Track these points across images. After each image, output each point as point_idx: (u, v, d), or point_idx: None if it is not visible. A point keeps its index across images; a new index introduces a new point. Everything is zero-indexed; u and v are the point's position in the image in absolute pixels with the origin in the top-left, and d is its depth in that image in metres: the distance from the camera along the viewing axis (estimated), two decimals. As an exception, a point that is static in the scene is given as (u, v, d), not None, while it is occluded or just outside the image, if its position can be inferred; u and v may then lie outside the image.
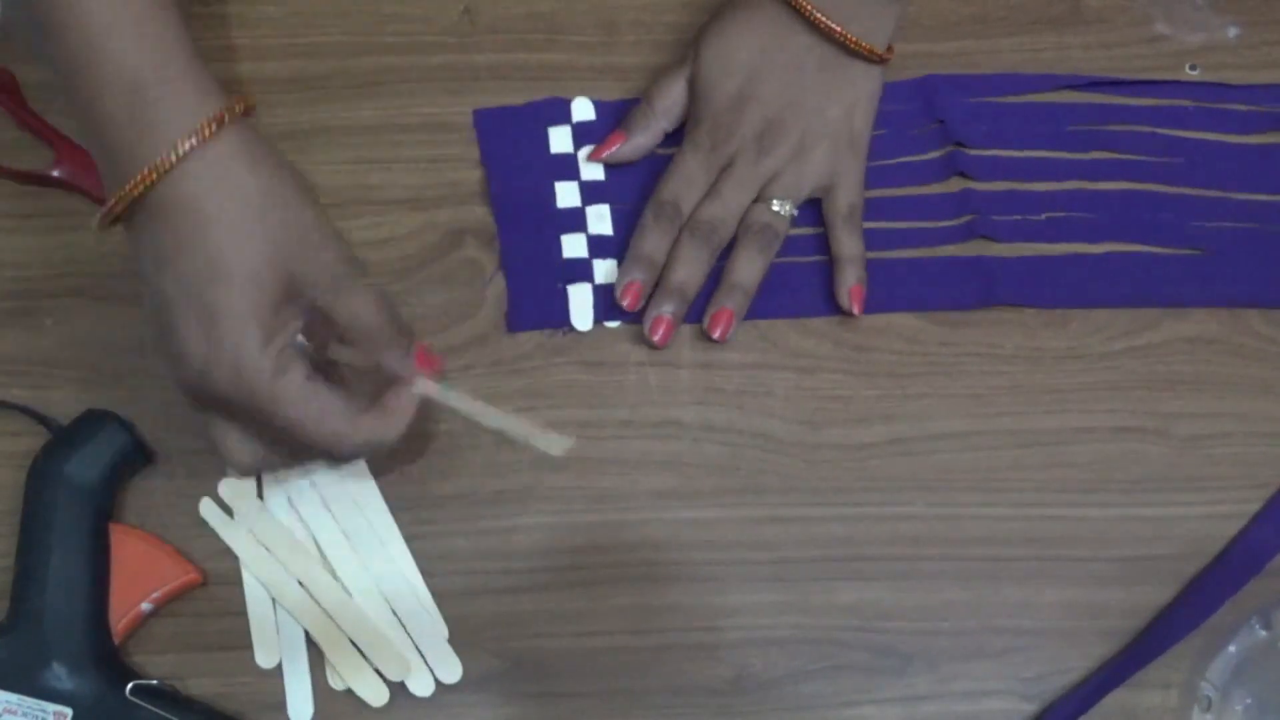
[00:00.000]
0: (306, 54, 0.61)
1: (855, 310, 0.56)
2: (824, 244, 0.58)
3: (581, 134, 0.60)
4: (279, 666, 0.52)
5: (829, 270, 0.57)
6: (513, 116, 0.60)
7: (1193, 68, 0.62)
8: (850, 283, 0.56)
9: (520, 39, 0.62)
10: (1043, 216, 0.59)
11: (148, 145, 0.42)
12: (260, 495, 0.54)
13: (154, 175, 0.42)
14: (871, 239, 0.58)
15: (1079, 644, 0.53)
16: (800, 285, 0.58)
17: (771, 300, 0.57)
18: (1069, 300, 0.58)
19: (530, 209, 0.58)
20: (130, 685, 0.49)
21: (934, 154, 0.60)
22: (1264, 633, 0.52)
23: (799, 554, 0.54)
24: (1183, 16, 0.63)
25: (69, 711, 0.49)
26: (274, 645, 0.52)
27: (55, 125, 0.58)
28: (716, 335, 0.55)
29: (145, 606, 0.51)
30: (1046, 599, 0.54)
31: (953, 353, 0.57)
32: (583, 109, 0.60)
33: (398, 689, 0.52)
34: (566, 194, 0.59)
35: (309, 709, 0.51)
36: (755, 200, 0.57)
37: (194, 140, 0.41)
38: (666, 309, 0.55)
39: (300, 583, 0.52)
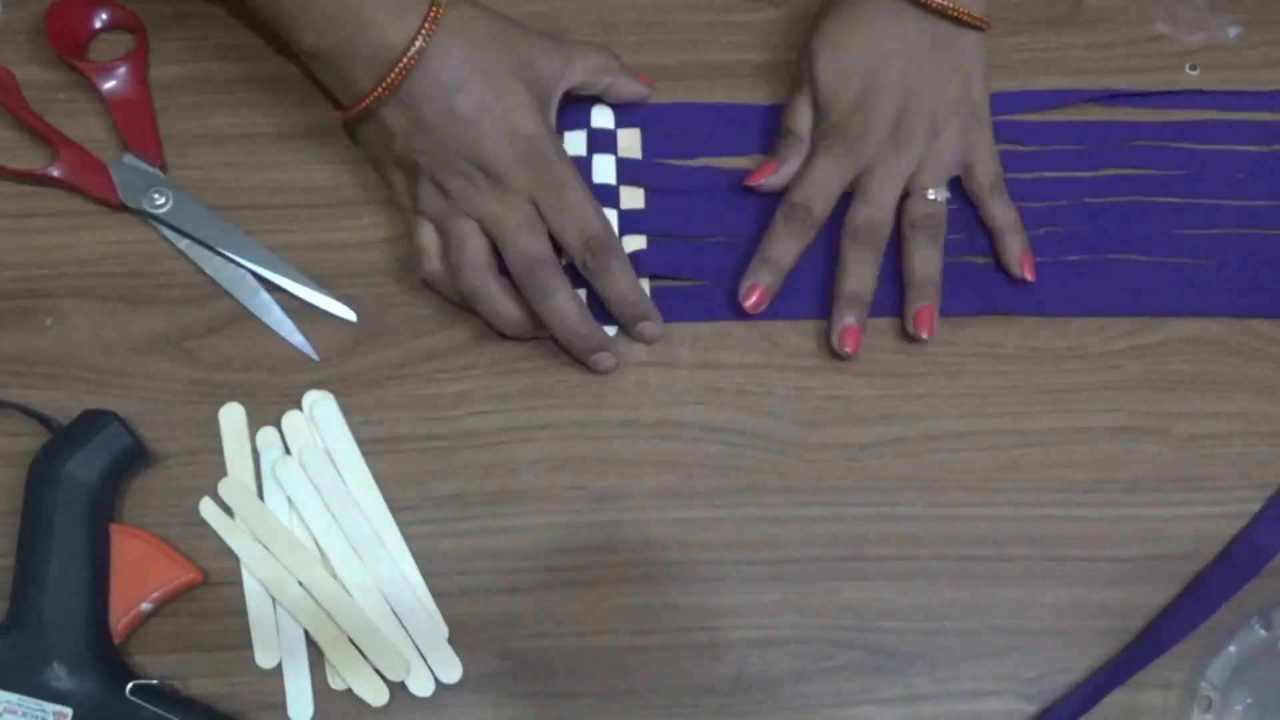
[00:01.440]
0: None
1: (1028, 276, 0.57)
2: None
3: (597, 139, 0.59)
4: (279, 666, 0.52)
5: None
6: None
7: (1193, 68, 0.62)
8: (1017, 252, 0.57)
9: (520, 39, 0.62)
10: (1041, 231, 0.59)
11: (393, 36, 0.51)
12: (260, 495, 0.54)
13: (413, 60, 0.51)
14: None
15: (1079, 644, 0.53)
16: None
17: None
18: (1068, 309, 0.58)
19: None
20: (130, 685, 0.49)
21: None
22: (1264, 633, 0.52)
23: (799, 554, 0.54)
24: (1183, 16, 0.63)
25: (69, 711, 0.49)
26: (274, 645, 0.52)
27: (55, 125, 0.58)
28: (925, 334, 0.55)
29: (145, 606, 0.51)
30: (1046, 599, 0.54)
31: (953, 353, 0.57)
32: (601, 116, 0.60)
33: (398, 689, 0.52)
34: (601, 168, 0.59)
35: (309, 709, 0.51)
36: (905, 196, 0.57)
37: (431, 23, 0.51)
38: (849, 319, 0.55)
39: (300, 583, 0.52)
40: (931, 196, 0.57)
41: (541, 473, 0.55)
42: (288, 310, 0.56)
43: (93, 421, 0.52)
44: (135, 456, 0.53)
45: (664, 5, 0.63)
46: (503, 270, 0.54)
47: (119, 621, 0.51)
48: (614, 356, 0.55)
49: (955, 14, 0.55)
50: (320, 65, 0.54)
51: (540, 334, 0.55)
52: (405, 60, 0.51)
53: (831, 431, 0.56)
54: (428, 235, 0.54)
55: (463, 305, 0.55)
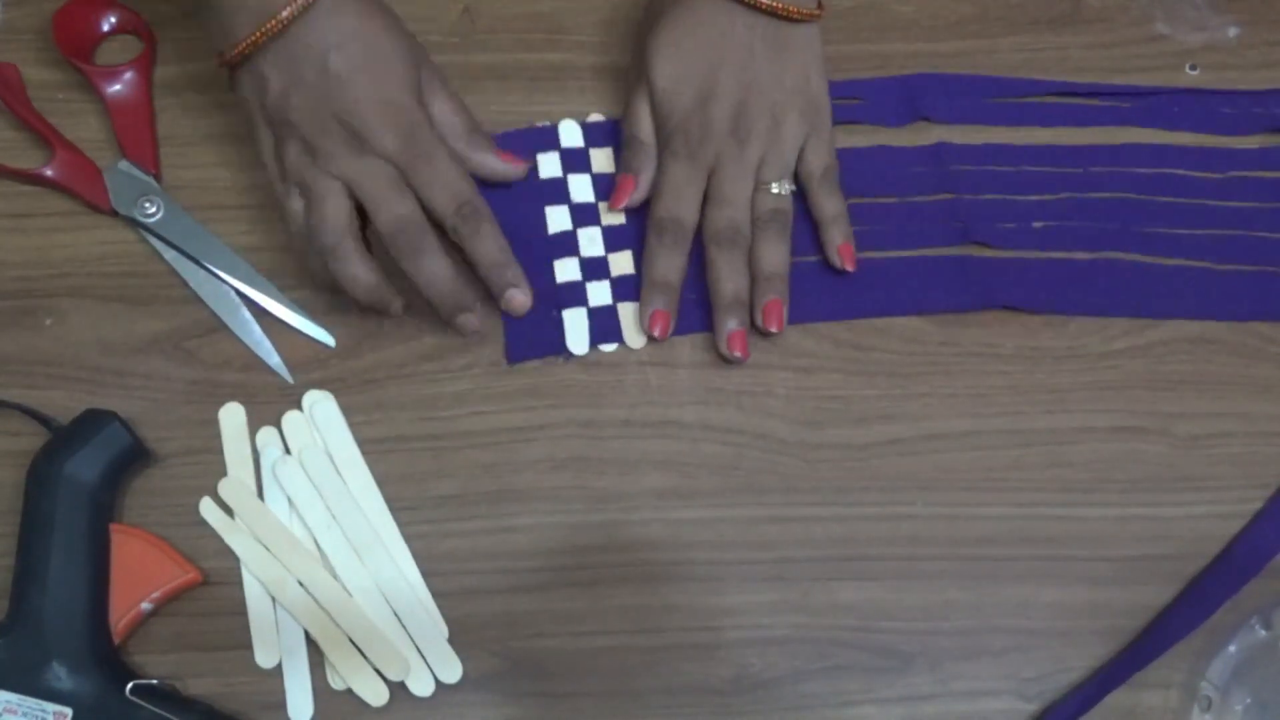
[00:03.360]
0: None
1: (848, 267, 0.57)
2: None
3: (570, 159, 0.59)
4: (279, 666, 0.52)
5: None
6: (500, 145, 0.58)
7: (1193, 68, 0.62)
8: (838, 241, 0.57)
9: (520, 39, 0.62)
10: (1037, 225, 0.59)
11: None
12: (260, 495, 0.54)
13: (296, 11, 0.51)
14: (864, 240, 0.58)
15: (1079, 644, 0.53)
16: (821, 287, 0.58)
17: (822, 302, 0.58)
18: (1066, 306, 0.58)
19: (523, 237, 0.57)
20: (130, 685, 0.49)
21: (921, 143, 0.61)
22: (1264, 633, 0.52)
23: (799, 554, 0.54)
24: (1183, 16, 0.63)
25: (69, 711, 0.49)
26: (274, 645, 0.52)
27: (55, 125, 0.58)
28: (774, 328, 0.55)
29: (145, 606, 0.51)
30: (1046, 599, 0.54)
31: (953, 353, 0.57)
32: (570, 133, 0.60)
33: (398, 689, 0.52)
34: (557, 218, 0.58)
35: (309, 709, 0.51)
36: (753, 190, 0.57)
37: None
38: (731, 323, 0.56)
39: (300, 583, 0.52)
40: (776, 190, 0.57)
41: (541, 473, 0.55)
42: (266, 328, 0.56)
43: (93, 421, 0.52)
44: (135, 456, 0.53)
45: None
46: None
47: (119, 621, 0.51)
48: (478, 319, 0.54)
49: (784, 13, 0.55)
50: (206, 11, 0.53)
51: (388, 306, 0.54)
52: (288, 12, 0.51)
53: (831, 431, 0.56)
54: (295, 201, 0.53)
55: (328, 287, 0.55)
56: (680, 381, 0.56)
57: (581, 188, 0.59)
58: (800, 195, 0.58)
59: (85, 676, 0.49)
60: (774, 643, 0.53)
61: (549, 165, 0.59)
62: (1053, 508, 0.55)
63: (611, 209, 0.58)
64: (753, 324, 0.56)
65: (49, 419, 0.53)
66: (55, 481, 0.51)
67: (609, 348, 0.57)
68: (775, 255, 0.56)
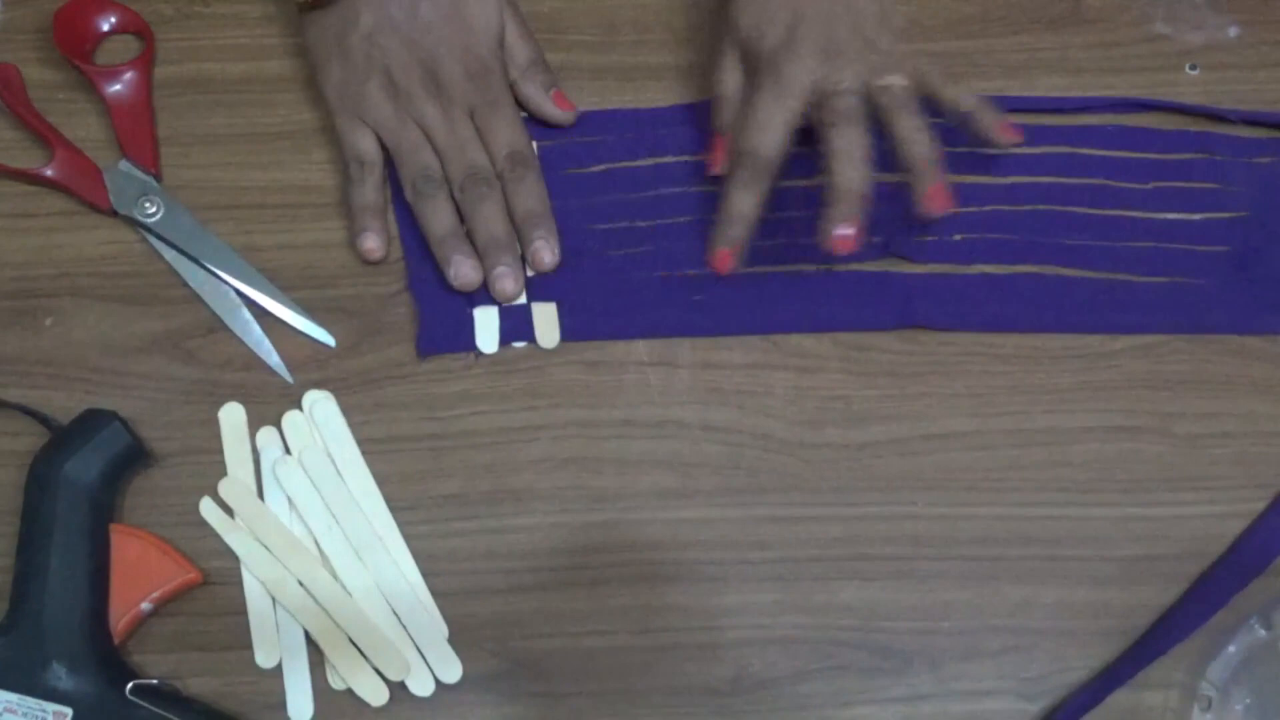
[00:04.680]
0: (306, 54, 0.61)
1: (937, 211, 0.53)
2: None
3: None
4: (279, 666, 0.52)
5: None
6: None
7: (1193, 67, 0.62)
8: (932, 181, 0.53)
9: (520, 39, 0.62)
10: (956, 237, 0.58)
11: None
12: (260, 495, 0.54)
13: None
14: (783, 253, 0.57)
15: (1079, 644, 0.53)
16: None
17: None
18: (990, 323, 0.57)
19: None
20: (130, 685, 0.49)
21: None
22: (1264, 633, 0.52)
23: (799, 554, 0.54)
24: (1183, 16, 0.63)
25: (69, 711, 0.49)
26: (274, 645, 0.52)
27: (55, 125, 0.58)
28: (938, 209, 0.53)
29: (145, 606, 0.51)
30: (1046, 599, 0.54)
31: (953, 352, 0.57)
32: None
33: (398, 689, 0.52)
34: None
35: (309, 709, 0.51)
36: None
37: None
38: (843, 221, 0.52)
39: (300, 583, 0.52)
40: (890, 81, 0.54)
41: (541, 473, 0.55)
42: (266, 328, 0.56)
43: (93, 421, 0.52)
44: (135, 456, 0.53)
45: (664, 5, 0.63)
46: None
47: (119, 621, 0.51)
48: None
49: None
50: None
51: (457, 250, 0.56)
52: None
53: (831, 431, 0.56)
54: (367, 141, 0.57)
55: (366, 217, 0.57)
56: (680, 381, 0.56)
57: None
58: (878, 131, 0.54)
59: (85, 676, 0.49)
60: (774, 643, 0.53)
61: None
62: (1053, 508, 0.55)
63: (710, 172, 0.57)
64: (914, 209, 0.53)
65: (49, 419, 0.53)
66: (55, 482, 0.51)
67: (520, 345, 0.56)
68: (920, 138, 0.53)
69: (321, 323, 0.57)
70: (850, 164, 0.52)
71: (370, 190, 0.57)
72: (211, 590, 0.53)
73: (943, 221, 0.58)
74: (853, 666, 0.53)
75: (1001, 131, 0.55)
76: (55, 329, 0.56)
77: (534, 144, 0.59)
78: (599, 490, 0.55)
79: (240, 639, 0.52)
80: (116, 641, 0.51)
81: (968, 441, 0.56)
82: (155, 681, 0.50)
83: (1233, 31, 0.63)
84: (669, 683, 0.52)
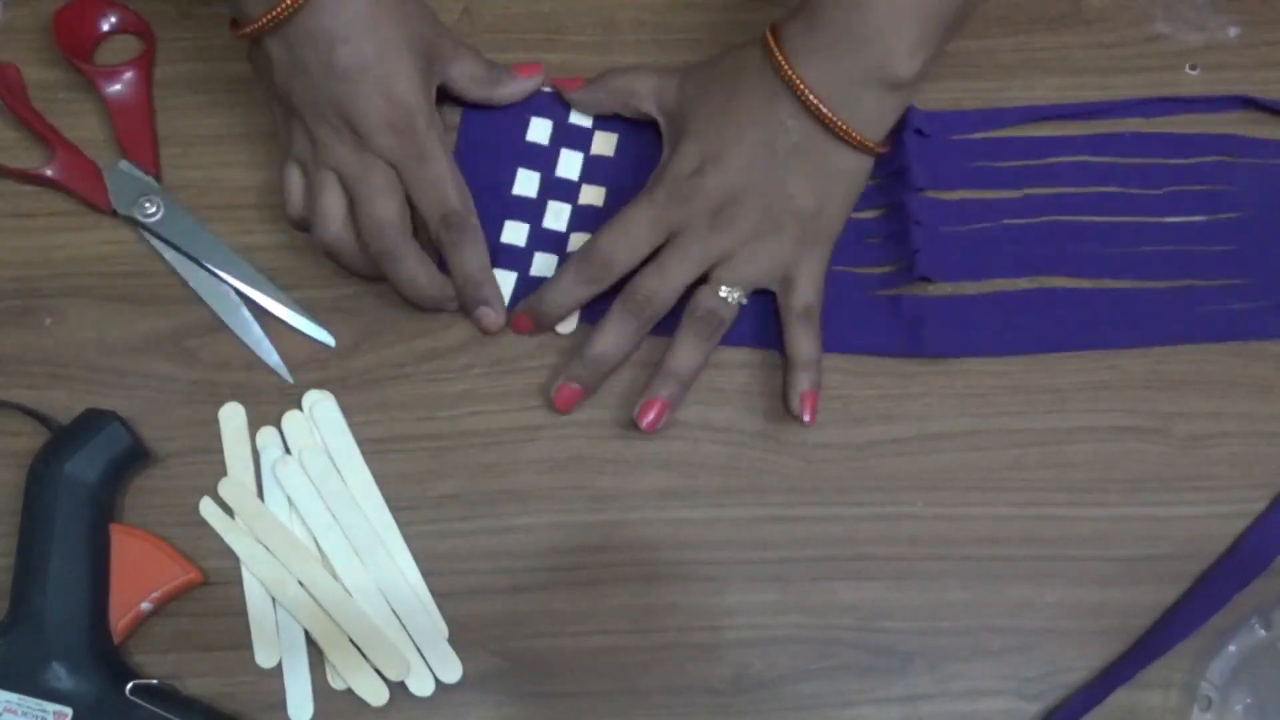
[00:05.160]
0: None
1: (807, 419, 0.53)
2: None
3: (562, 133, 0.59)
4: (279, 666, 0.52)
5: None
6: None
7: (1193, 67, 0.62)
8: (803, 387, 0.53)
9: (520, 39, 0.62)
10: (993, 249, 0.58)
11: None
12: (260, 495, 0.54)
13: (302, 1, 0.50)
14: None
15: (1079, 644, 0.53)
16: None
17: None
18: (1001, 349, 0.57)
19: (484, 187, 0.57)
20: (130, 685, 0.49)
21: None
22: (1264, 633, 0.52)
23: (799, 554, 0.54)
24: (1183, 16, 0.63)
25: (69, 711, 0.49)
26: (274, 645, 0.52)
27: (55, 125, 0.58)
28: (645, 425, 0.52)
29: (145, 606, 0.51)
30: (1046, 599, 0.54)
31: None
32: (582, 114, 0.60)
33: (398, 689, 0.52)
34: (525, 183, 0.59)
35: (309, 709, 0.51)
36: (703, 281, 0.53)
37: None
38: (575, 379, 0.54)
39: (300, 583, 0.52)
40: (724, 295, 0.53)
41: (541, 473, 0.55)
42: (267, 328, 0.56)
43: (93, 421, 0.52)
44: (136, 456, 0.53)
45: (664, 5, 0.63)
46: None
47: (119, 621, 0.51)
48: (495, 314, 0.55)
49: (839, 130, 0.51)
50: None
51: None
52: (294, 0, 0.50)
53: (831, 431, 0.56)
54: (293, 180, 0.55)
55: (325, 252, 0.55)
56: (680, 381, 0.56)
57: (570, 164, 0.59)
58: (777, 325, 0.55)
59: (85, 676, 0.49)
60: (774, 643, 0.53)
61: (539, 130, 0.59)
62: (1053, 508, 0.55)
63: (556, 82, 0.58)
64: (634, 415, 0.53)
65: (49, 418, 0.53)
66: (55, 481, 0.51)
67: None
68: (688, 357, 0.53)
69: (321, 323, 0.57)
70: (609, 339, 0.53)
71: (350, 256, 0.55)
72: (211, 590, 0.53)
73: (958, 238, 0.58)
74: (853, 666, 0.53)
75: (802, 400, 0.53)
76: (55, 329, 0.56)
77: (468, 195, 0.55)
78: (599, 490, 0.55)
79: (240, 639, 0.52)
80: (116, 641, 0.51)
81: (968, 441, 0.56)
82: (155, 681, 0.50)
83: (1233, 31, 0.63)
84: (669, 683, 0.52)
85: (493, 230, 0.57)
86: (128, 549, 0.52)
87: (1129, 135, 0.61)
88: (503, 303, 0.56)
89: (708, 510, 0.54)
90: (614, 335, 0.53)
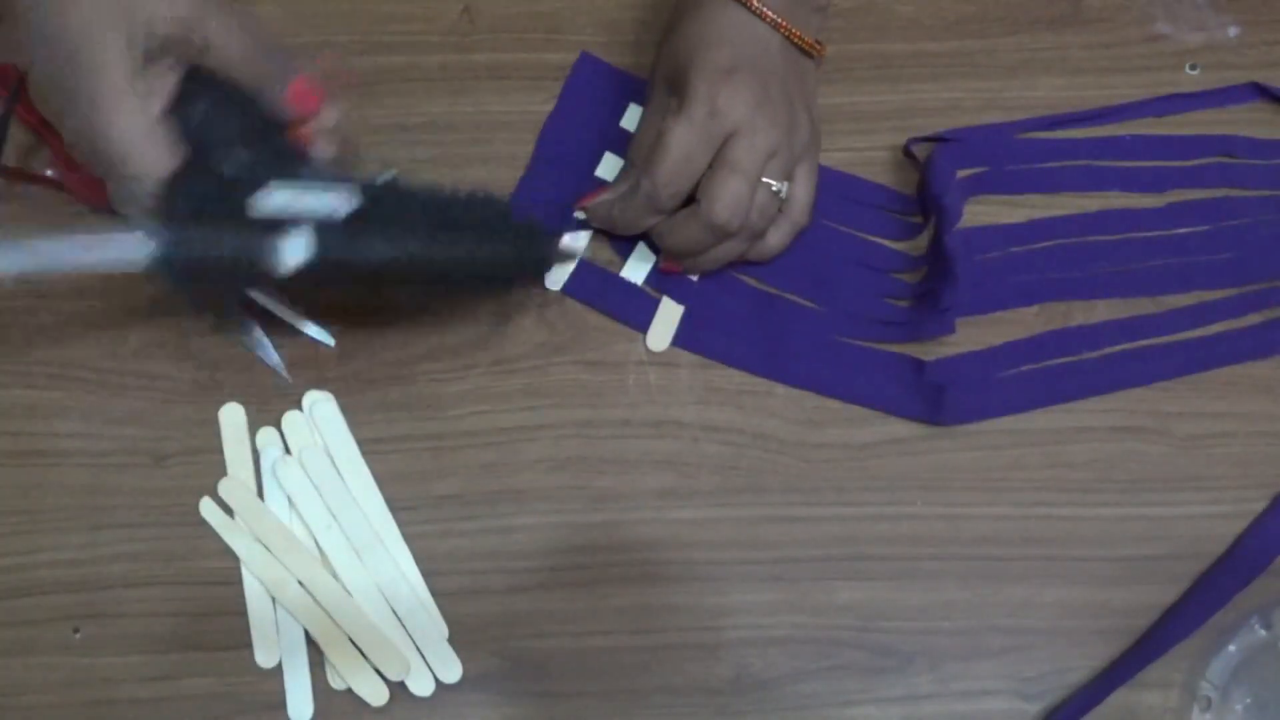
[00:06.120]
0: (306, 54, 0.61)
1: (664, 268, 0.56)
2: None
3: (618, 140, 0.60)
4: (279, 666, 0.52)
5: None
6: (609, 77, 0.60)
7: (1193, 67, 0.62)
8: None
9: (520, 39, 0.62)
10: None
11: None
12: (260, 495, 0.54)
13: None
14: (838, 323, 0.57)
15: (1079, 644, 0.53)
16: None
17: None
18: (1020, 408, 0.56)
19: (567, 161, 0.58)
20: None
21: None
22: (1264, 633, 0.52)
23: (799, 554, 0.54)
24: (1183, 16, 0.63)
25: (345, 188, 0.48)
26: (274, 645, 0.52)
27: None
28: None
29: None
30: (1047, 599, 0.54)
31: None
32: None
33: (398, 689, 0.52)
34: (608, 166, 0.59)
35: (309, 708, 0.51)
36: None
37: None
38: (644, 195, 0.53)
39: (300, 583, 0.52)
40: (775, 189, 0.53)
41: (541, 473, 0.55)
42: (267, 328, 0.56)
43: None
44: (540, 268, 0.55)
45: (664, 5, 0.63)
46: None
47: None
48: None
49: (794, 35, 0.54)
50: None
51: None
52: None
53: (831, 431, 0.56)
54: None
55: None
56: (680, 381, 0.56)
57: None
58: (984, 272, 0.57)
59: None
60: (774, 643, 0.53)
61: (633, 118, 0.60)
62: (1053, 508, 0.55)
63: (578, 205, 0.57)
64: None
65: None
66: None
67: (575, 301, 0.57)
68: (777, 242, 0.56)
69: (321, 323, 0.57)
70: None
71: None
72: (211, 590, 0.53)
73: (969, 272, 0.57)
74: (853, 666, 0.53)
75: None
76: (55, 329, 0.56)
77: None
78: (599, 490, 0.55)
79: (240, 639, 0.52)
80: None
81: (968, 441, 0.56)
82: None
83: (1233, 31, 0.63)
84: (669, 683, 0.52)
85: (566, 206, 0.57)
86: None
87: (1129, 138, 0.61)
88: None
89: (708, 510, 0.54)
90: (721, 259, 0.55)
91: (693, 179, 0.53)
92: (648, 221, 0.55)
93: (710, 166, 0.52)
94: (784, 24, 0.54)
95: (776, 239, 0.56)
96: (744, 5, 0.53)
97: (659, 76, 0.55)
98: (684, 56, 0.53)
